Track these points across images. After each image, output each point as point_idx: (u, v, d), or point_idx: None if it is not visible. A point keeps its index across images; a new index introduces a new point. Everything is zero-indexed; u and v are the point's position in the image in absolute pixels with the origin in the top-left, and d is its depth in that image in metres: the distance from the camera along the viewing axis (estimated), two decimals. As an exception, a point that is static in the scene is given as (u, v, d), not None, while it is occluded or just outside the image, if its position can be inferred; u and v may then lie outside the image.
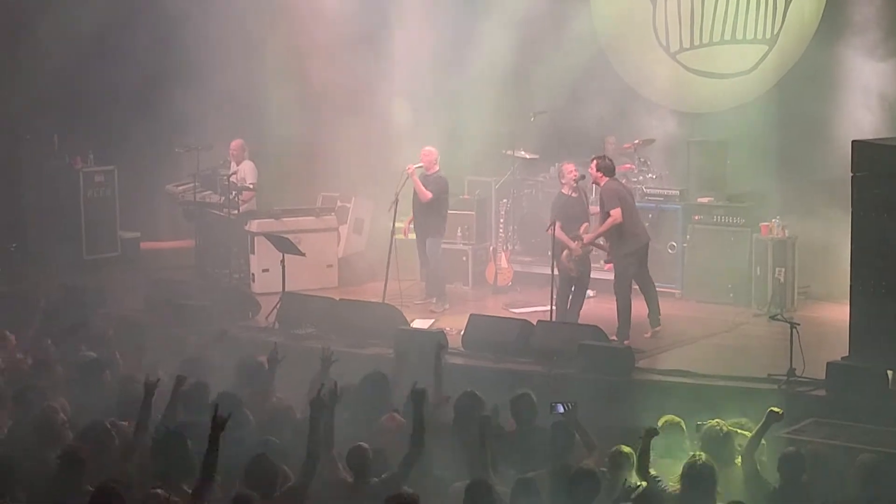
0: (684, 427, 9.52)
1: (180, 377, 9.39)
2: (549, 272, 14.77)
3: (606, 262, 14.94)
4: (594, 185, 14.96)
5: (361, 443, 8.52)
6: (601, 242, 14.64)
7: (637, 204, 15.12)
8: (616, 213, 13.94)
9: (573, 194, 14.73)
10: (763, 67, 16.90)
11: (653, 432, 8.92)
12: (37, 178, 18.54)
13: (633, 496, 8.21)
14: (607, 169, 14.33)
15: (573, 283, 14.77)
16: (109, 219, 18.65)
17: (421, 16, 18.09)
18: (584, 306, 15.00)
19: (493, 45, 17.73)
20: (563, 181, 14.92)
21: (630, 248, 14.23)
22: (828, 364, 11.86)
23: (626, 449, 9.13)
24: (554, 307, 14.70)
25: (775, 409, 9.05)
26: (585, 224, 14.71)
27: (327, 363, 10.79)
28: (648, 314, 14.34)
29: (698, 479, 8.27)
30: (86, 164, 18.44)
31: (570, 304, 14.78)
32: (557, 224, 14.43)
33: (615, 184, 14.41)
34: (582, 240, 14.57)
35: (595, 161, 14.38)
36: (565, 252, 14.59)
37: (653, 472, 8.67)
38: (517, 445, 9.80)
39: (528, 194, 17.42)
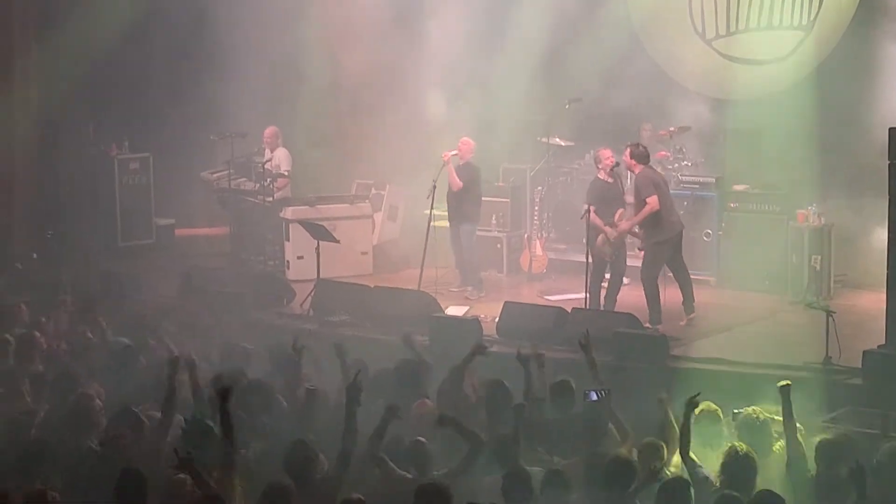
0: (721, 415, 9.51)
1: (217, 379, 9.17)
2: (584, 260, 14.67)
3: (640, 248, 14.75)
4: (629, 173, 14.95)
5: (420, 438, 8.56)
6: (636, 230, 14.56)
7: (672, 192, 15.20)
8: (653, 201, 13.97)
9: (609, 180, 14.79)
10: (799, 54, 16.53)
11: (693, 404, 8.87)
12: (72, 165, 18.58)
13: (661, 482, 8.11)
14: (641, 156, 14.35)
15: (607, 269, 14.71)
16: (144, 206, 18.75)
17: (455, 1, 17.85)
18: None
19: (526, 32, 17.56)
20: (600, 166, 14.93)
21: (664, 235, 14.27)
22: (864, 353, 11.83)
23: (658, 442, 9.14)
24: (588, 294, 14.62)
25: (783, 383, 9.07)
26: (621, 210, 14.67)
27: (342, 355, 10.72)
28: (683, 301, 14.27)
29: (740, 469, 8.27)
30: (121, 151, 18.55)
31: (606, 291, 14.68)
32: (592, 208, 14.42)
33: (650, 171, 14.43)
34: (616, 226, 14.45)
35: (629, 149, 14.44)
36: (601, 236, 14.53)
37: (692, 456, 8.62)
38: (554, 433, 9.72)
39: (562, 182, 17.31)
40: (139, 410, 9.43)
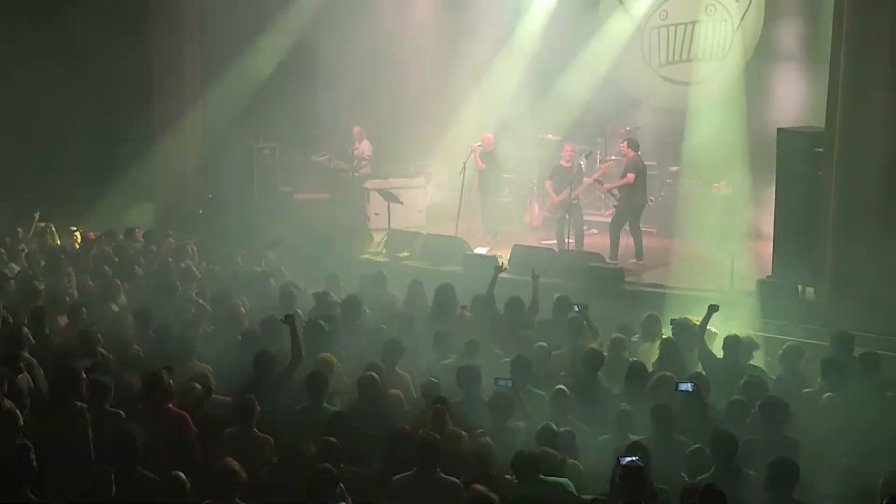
0: (661, 320, 9.87)
1: (288, 316, 8.83)
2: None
3: (614, 206, 15.06)
4: (583, 161, 15.61)
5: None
6: (616, 193, 14.72)
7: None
8: (629, 178, 14.20)
9: (566, 165, 14.95)
10: (717, 77, 16.55)
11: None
12: (226, 152, 18.48)
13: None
14: (633, 145, 14.58)
15: (566, 225, 14.97)
16: (273, 178, 18.64)
17: (484, 33, 17.82)
18: (589, 239, 15.17)
19: (533, 64, 17.49)
20: (562, 155, 15.12)
21: (632, 204, 14.40)
22: (758, 281, 12.27)
23: (622, 336, 9.57)
24: (570, 240, 14.79)
25: (714, 305, 9.42)
26: (570, 186, 14.86)
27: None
28: (635, 252, 14.43)
29: (672, 353, 8.98)
30: (257, 142, 18.41)
31: (574, 239, 14.95)
32: (548, 182, 15.13)
33: (638, 159, 14.53)
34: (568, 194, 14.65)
35: (625, 141, 14.74)
36: (548, 202, 14.95)
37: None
38: (550, 331, 10.02)
39: (553, 164, 16.50)
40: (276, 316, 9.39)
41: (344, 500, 5.62)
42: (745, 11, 16.46)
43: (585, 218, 15.17)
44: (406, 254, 14.58)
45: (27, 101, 17.29)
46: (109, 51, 17.74)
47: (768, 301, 11.84)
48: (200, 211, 17.80)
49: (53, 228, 15.19)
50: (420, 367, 8.92)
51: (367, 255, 15.43)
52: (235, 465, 5.79)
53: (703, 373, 8.52)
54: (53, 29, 17.78)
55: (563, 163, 15.08)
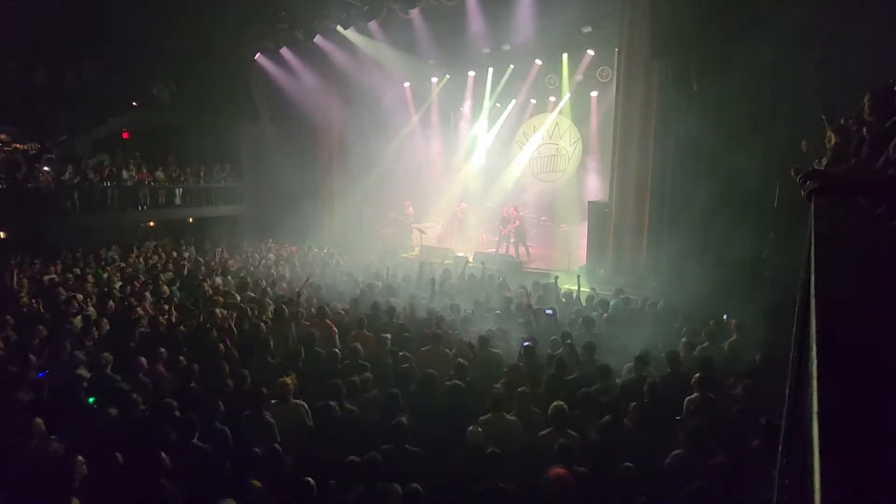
0: (555, 282, 10.25)
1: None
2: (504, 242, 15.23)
3: (513, 234, 14.85)
4: (521, 212, 15.58)
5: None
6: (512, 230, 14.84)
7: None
8: (518, 223, 15.06)
9: (504, 215, 15.45)
10: (563, 178, 17.05)
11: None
12: (346, 216, 18.38)
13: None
14: (521, 208, 15.21)
15: (504, 241, 15.16)
16: (371, 224, 18.47)
17: (457, 149, 18.23)
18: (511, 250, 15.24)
19: (485, 167, 18.19)
20: (502, 211, 15.72)
21: (522, 233, 15.08)
22: (580, 266, 12.97)
23: (525, 291, 9.29)
24: (501, 250, 15.24)
25: (557, 276, 10.35)
26: (504, 225, 15.15)
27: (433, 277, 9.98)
28: (526, 254, 14.95)
29: (547, 294, 9.19)
30: (365, 207, 18.44)
31: (514, 248, 15.10)
32: (500, 225, 15.25)
33: (523, 215, 15.31)
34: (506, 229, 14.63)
35: (515, 207, 15.49)
36: (500, 230, 15.26)
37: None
38: (491, 290, 10.32)
39: (499, 215, 16.19)
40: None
41: None
42: (573, 151, 17.22)
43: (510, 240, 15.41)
44: (428, 259, 13.77)
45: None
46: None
47: (585, 275, 12.03)
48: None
49: (272, 244, 16.80)
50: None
51: (404, 255, 15.97)
52: None
53: (556, 307, 8.62)
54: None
55: (503, 214, 15.74)
